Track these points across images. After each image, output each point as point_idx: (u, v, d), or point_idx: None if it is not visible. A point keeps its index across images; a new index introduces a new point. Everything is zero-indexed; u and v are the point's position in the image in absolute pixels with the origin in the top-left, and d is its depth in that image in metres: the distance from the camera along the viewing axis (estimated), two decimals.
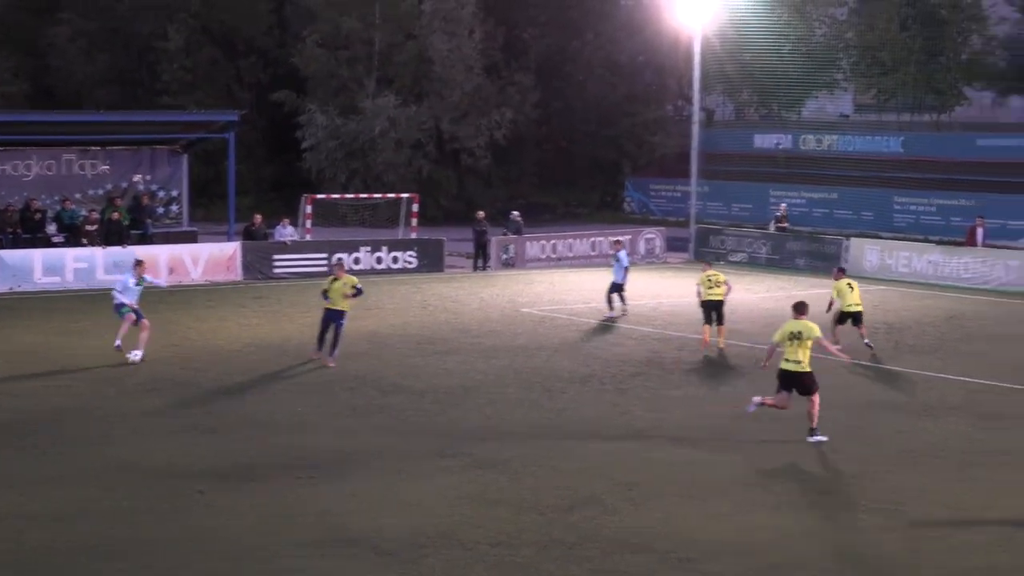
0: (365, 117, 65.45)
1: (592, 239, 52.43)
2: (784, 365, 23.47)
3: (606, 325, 36.31)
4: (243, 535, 17.69)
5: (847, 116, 78.92)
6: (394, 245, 48.47)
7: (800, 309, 23.97)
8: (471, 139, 66.96)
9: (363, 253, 47.35)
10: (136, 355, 29.45)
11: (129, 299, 29.83)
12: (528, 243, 50.91)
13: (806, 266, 49.41)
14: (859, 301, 32.81)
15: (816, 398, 23.33)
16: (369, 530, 17.90)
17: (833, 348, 25.33)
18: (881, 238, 52.25)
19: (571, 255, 51.50)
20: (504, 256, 50.06)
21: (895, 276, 46.63)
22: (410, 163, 66.07)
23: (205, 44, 70.45)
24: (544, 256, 50.92)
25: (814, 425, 23.25)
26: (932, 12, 67.77)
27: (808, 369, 23.38)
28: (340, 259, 39.75)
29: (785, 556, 17.18)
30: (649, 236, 53.41)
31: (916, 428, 24.56)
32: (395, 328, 34.86)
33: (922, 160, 62.70)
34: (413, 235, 50.89)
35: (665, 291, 43.70)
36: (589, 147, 72.35)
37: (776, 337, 23.74)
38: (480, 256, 49.73)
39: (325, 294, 29.95)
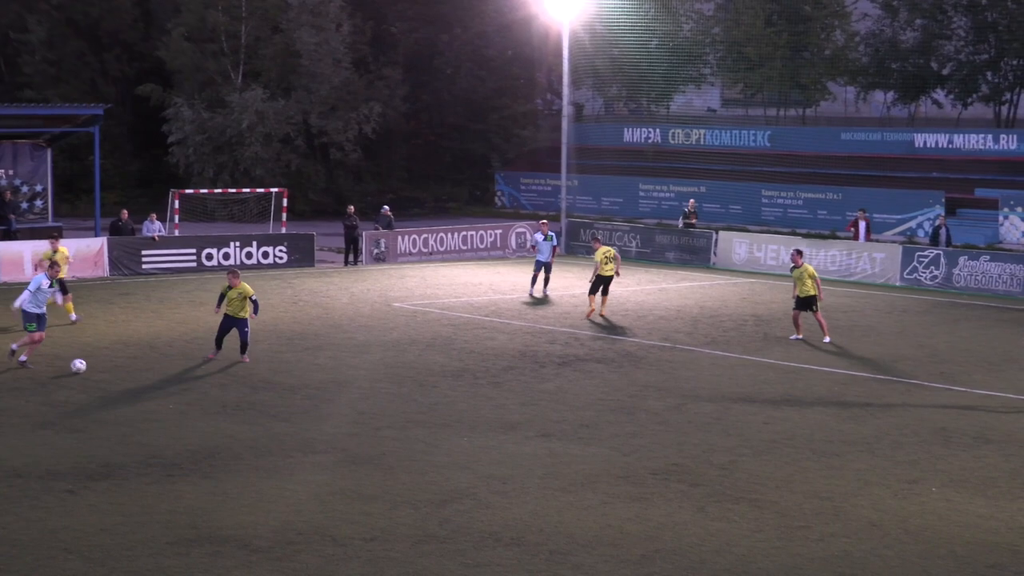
0: (232, 111, 64.91)
1: (463, 233, 52.48)
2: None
3: (478, 319, 36.39)
4: (107, 535, 17.49)
5: (714, 111, 79.82)
6: (264, 240, 48.13)
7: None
8: (340, 133, 66.70)
9: (232, 248, 46.95)
10: (80, 364, 28.63)
11: (37, 306, 28.73)
12: (399, 238, 50.84)
13: (676, 259, 49.97)
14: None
15: None
16: (239, 527, 17.80)
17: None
18: (749, 231, 52.92)
19: (442, 249, 51.52)
20: (375, 251, 49.95)
21: (763, 269, 47.26)
22: (279, 158, 65.67)
23: (70, 36, 69.41)
24: (415, 251, 50.89)
25: None
26: (797, 8, 68.74)
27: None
28: (234, 267, 38.88)
29: (655, 547, 17.35)
30: (520, 230, 53.59)
31: (782, 418, 24.91)
32: (265, 324, 34.63)
33: (788, 154, 63.65)
34: (283, 230, 50.60)
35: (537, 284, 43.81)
36: (459, 141, 72.47)
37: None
38: (351, 251, 49.57)
39: (222, 298, 29.66)
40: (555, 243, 42.17)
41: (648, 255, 50.94)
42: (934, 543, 17.67)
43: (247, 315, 29.60)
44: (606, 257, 37.05)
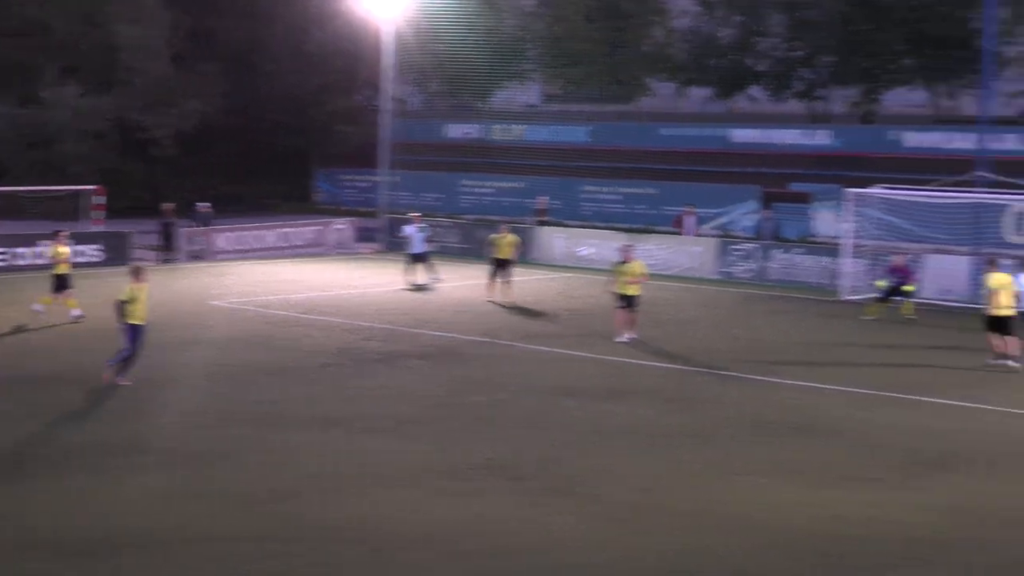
0: (46, 107, 63.59)
1: (282, 230, 52.14)
2: None
3: (297, 317, 36.17)
4: None
5: (535, 106, 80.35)
6: (78, 238, 47.21)
7: None
8: (158, 129, 65.72)
9: (45, 247, 45.97)
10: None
11: None
12: (217, 235, 50.31)
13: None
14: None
15: None
16: (57, 531, 17.47)
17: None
18: (568, 226, 53.41)
19: (261, 247, 51.13)
20: (192, 248, 49.37)
21: (582, 263, 47.71)
22: (95, 154, 64.49)
23: None
24: (233, 248, 50.41)
25: None
26: (617, 4, 69.47)
27: None
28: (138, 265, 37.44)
29: (480, 543, 17.40)
30: (339, 227, 53.42)
31: (604, 412, 25.16)
32: (79, 324, 34.03)
33: (608, 149, 64.34)
34: (97, 227, 49.73)
35: (355, 281, 43.79)
36: (279, 137, 71.74)
37: None
38: (167, 248, 48.93)
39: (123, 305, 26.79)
40: (427, 234, 44.13)
41: (469, 250, 51.08)
42: (753, 533, 18.00)
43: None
44: (504, 241, 40.25)
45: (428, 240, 44.49)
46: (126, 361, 26.58)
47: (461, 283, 43.58)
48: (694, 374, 29.11)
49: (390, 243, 52.81)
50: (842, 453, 22.25)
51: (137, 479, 19.96)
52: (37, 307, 34.52)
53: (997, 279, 30.97)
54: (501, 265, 40.11)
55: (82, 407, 24.89)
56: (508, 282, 39.83)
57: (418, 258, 43.30)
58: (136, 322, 26.56)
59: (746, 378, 28.66)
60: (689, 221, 48.44)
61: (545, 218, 51.84)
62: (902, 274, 37.60)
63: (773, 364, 30.23)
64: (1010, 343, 30.46)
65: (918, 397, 26.82)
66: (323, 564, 16.46)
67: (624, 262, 33.32)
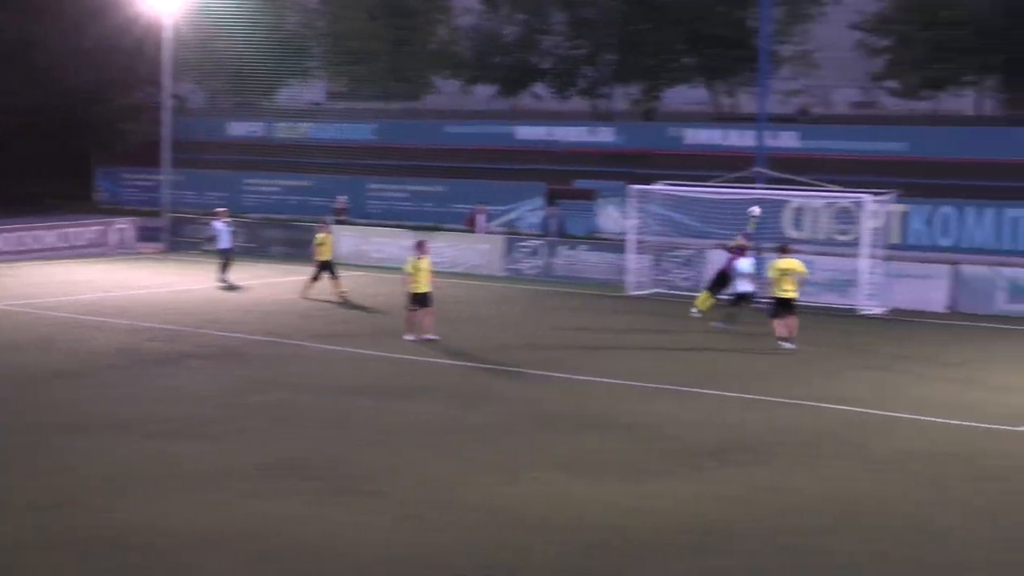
0: None
1: (62, 230, 51.02)
2: None
3: (79, 319, 35.47)
4: None
5: (320, 104, 79.94)
6: None
7: None
8: None
9: None
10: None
11: None
12: None
13: (281, 253, 49.89)
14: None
15: None
16: None
17: None
18: (356, 224, 53.26)
19: (40, 247, 49.95)
20: None
21: (370, 262, 47.63)
22: None
23: None
24: (12, 249, 49.15)
25: None
26: (401, 2, 69.53)
27: None
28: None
29: (272, 544, 17.29)
30: (121, 226, 52.50)
31: (394, 410, 25.20)
32: None
33: (394, 147, 64.30)
34: None
35: (139, 281, 43.07)
36: (57, 136, 70.06)
37: None
38: None
39: None
40: (232, 230, 43.66)
41: (254, 250, 50.64)
42: (542, 527, 18.21)
43: None
44: (320, 240, 40.11)
45: (232, 235, 43.94)
46: None
47: (247, 283, 43.13)
48: (483, 371, 29.28)
49: (173, 243, 52.09)
50: (629, 446, 22.63)
51: None
52: None
53: (784, 264, 32.41)
54: (326, 265, 39.98)
55: None
56: (336, 278, 39.68)
57: (227, 254, 42.77)
58: None
59: (535, 374, 28.94)
60: (481, 219, 48.66)
61: (345, 217, 51.46)
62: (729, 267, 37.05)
63: (561, 360, 30.58)
64: (790, 325, 31.91)
65: (702, 390, 27.38)
66: (105, 571, 16.17)
67: (419, 257, 32.99)
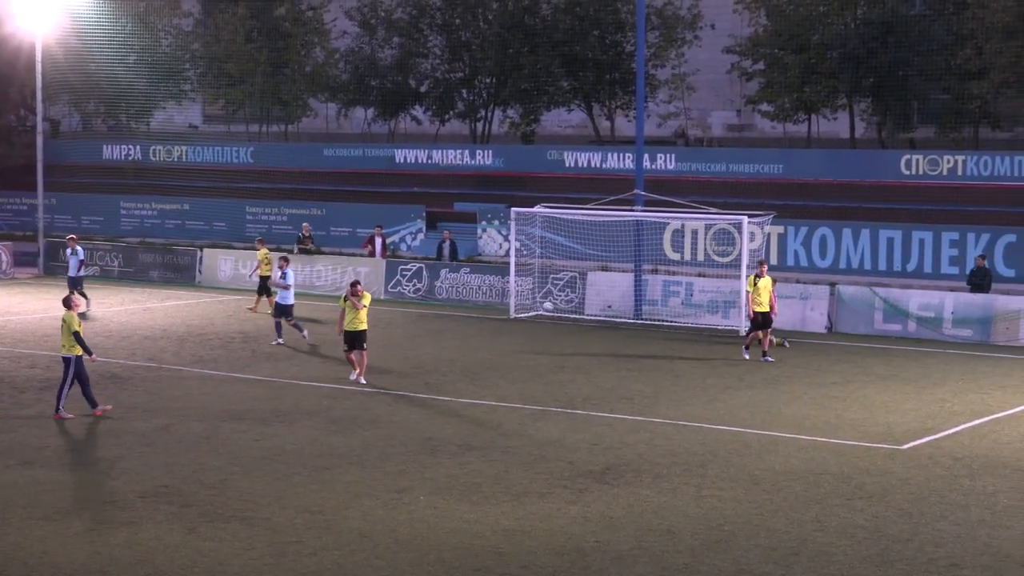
0: None
1: None
2: None
3: None
4: None
5: (196, 127, 79.20)
6: None
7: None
8: None
9: None
10: None
11: None
12: None
13: (160, 278, 49.31)
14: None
15: None
16: None
17: None
18: (235, 248, 52.74)
19: None
20: None
21: (249, 285, 47.07)
22: None
23: None
24: None
25: None
26: (277, 24, 69.14)
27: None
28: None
29: (145, 572, 17.07)
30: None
31: (272, 434, 24.97)
32: None
33: (272, 170, 63.87)
34: None
35: (14, 307, 42.30)
36: None
37: None
38: None
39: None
40: (80, 257, 42.76)
41: (131, 274, 50.03)
42: (423, 550, 18.13)
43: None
44: (266, 259, 40.98)
45: (83, 263, 43.23)
46: None
47: (123, 307, 42.55)
48: (362, 394, 29.11)
49: (48, 267, 51.22)
50: (512, 469, 22.59)
51: None
52: None
53: (764, 280, 33.89)
54: (264, 286, 41.14)
55: None
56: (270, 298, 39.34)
57: (75, 282, 41.84)
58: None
59: (416, 396, 28.84)
60: (379, 242, 48.27)
61: (310, 245, 49.58)
62: None
63: (443, 382, 30.50)
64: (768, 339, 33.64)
65: (587, 412, 27.42)
66: None
67: (355, 295, 30.14)
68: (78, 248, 43.06)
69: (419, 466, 22.69)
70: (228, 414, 26.77)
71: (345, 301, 30.19)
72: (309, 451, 23.72)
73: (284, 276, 35.85)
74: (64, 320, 26.39)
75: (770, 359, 33.42)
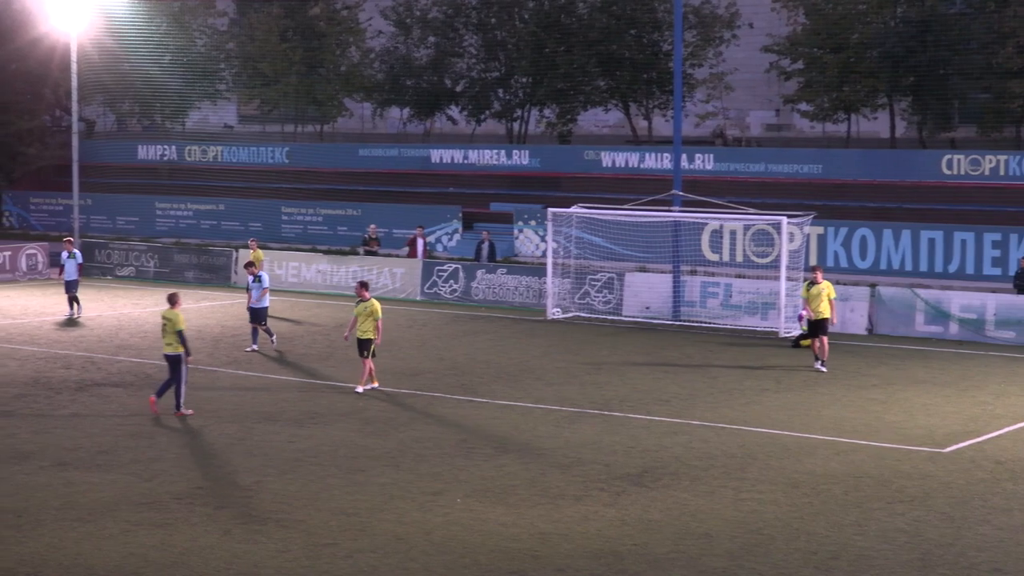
0: None
1: None
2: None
3: None
4: None
5: (231, 127, 79.42)
6: None
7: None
8: None
9: None
10: None
11: None
12: None
13: (195, 278, 49.45)
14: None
15: None
16: None
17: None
18: (270, 248, 52.89)
19: None
20: None
21: (285, 286, 47.25)
22: None
23: None
24: None
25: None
26: (311, 24, 69.27)
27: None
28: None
29: (181, 575, 17.09)
30: (31, 252, 51.80)
31: (306, 436, 24.99)
32: None
33: (307, 170, 64.00)
34: None
35: (49, 308, 42.48)
36: None
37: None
38: None
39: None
40: (79, 261, 41.80)
41: (167, 274, 50.18)
42: (458, 553, 18.11)
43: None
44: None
45: (80, 266, 42.03)
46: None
47: (158, 308, 42.57)
48: (397, 395, 29.10)
49: (85, 268, 51.33)
50: (547, 471, 22.54)
51: None
52: None
53: (818, 287, 32.84)
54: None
55: None
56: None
57: (72, 287, 41.20)
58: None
59: (451, 398, 28.81)
60: (421, 243, 48.25)
61: (376, 247, 49.28)
62: None
63: (478, 384, 30.47)
64: (824, 346, 32.64)
65: (623, 414, 27.35)
66: None
67: (362, 300, 29.41)
68: (76, 252, 42.25)
69: (454, 468, 22.68)
70: (262, 415, 26.82)
71: (357, 306, 29.59)
72: (344, 453, 23.73)
73: (259, 280, 35.13)
74: (168, 318, 26.66)
75: (822, 368, 32.71)
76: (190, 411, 26.57)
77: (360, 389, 29.26)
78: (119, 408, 27.34)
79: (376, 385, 29.51)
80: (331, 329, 38.41)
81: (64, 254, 42.07)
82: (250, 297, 35.17)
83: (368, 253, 48.32)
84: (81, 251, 50.47)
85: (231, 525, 19.25)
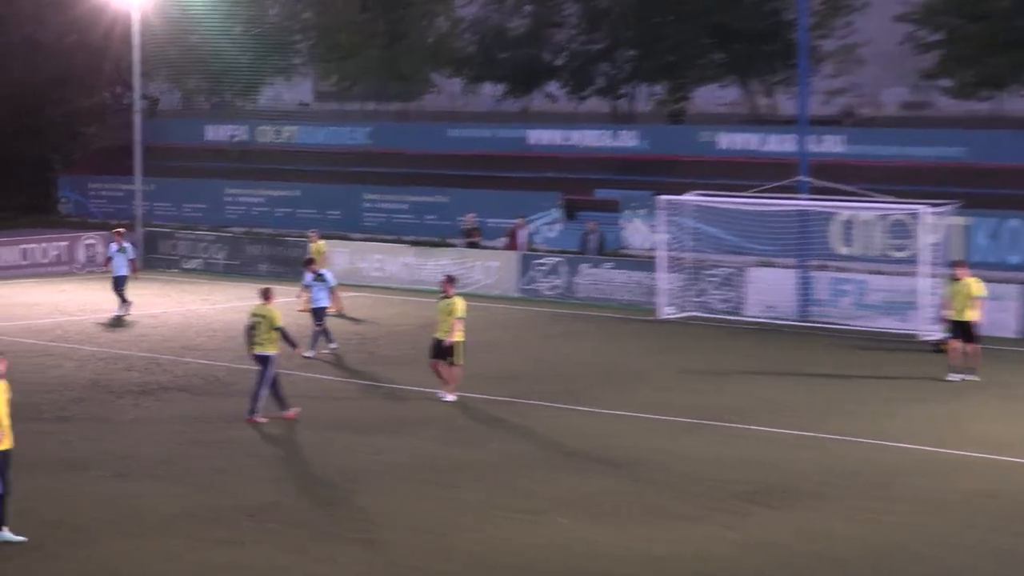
0: None
1: (21, 246, 50.87)
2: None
3: (41, 345, 35.29)
4: None
5: (307, 105, 79.81)
6: None
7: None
8: None
9: None
10: None
11: None
12: None
13: (269, 272, 49.55)
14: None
15: None
16: None
17: None
18: (351, 239, 52.96)
19: None
20: None
21: (367, 280, 47.32)
22: None
23: None
24: None
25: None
26: None
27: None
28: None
29: None
30: (89, 242, 52.32)
31: (390, 447, 24.98)
32: None
33: (391, 153, 64.03)
34: None
35: (109, 304, 42.76)
36: (11, 140, 69.89)
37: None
38: None
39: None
40: (130, 255, 41.60)
41: (237, 267, 50.39)
42: None
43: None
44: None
45: (133, 261, 41.72)
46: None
47: (228, 305, 42.90)
48: (491, 402, 29.01)
49: (147, 260, 51.64)
50: (658, 487, 22.39)
51: None
52: None
53: (959, 285, 32.27)
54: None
55: None
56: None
57: (119, 283, 41.01)
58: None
59: (550, 406, 28.68)
60: (522, 233, 48.14)
61: (478, 239, 49.20)
62: None
63: (581, 390, 30.30)
64: (971, 352, 31.77)
65: (744, 425, 27.09)
66: None
67: (445, 297, 29.32)
68: (127, 245, 41.92)
69: (553, 483, 22.54)
70: (342, 423, 26.85)
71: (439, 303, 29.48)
72: (431, 465, 23.68)
73: (322, 278, 35.08)
74: (261, 315, 26.98)
75: (970, 377, 31.81)
76: (264, 419, 26.62)
77: (450, 397, 29.04)
78: (186, 414, 27.46)
79: (449, 396, 29.10)
80: (417, 329, 38.35)
81: (113, 246, 41.97)
82: (308, 298, 35.06)
83: (470, 245, 48.20)
84: (143, 242, 50.90)
85: (307, 543, 19.24)
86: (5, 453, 19.60)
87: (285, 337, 26.95)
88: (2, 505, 19.35)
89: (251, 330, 27.12)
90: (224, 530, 19.77)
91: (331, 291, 35.50)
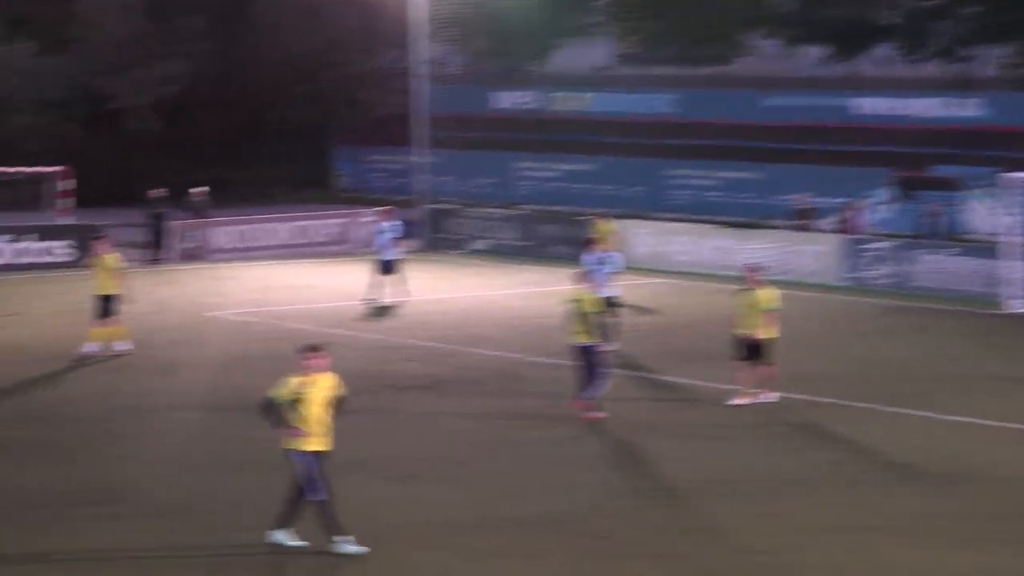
0: None
1: (296, 224, 52.11)
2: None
3: (317, 332, 35.91)
4: None
5: (606, 69, 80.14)
6: (45, 232, 47.34)
7: None
8: (132, 98, 65.66)
9: (3, 244, 46.22)
10: None
11: None
12: (216, 229, 50.30)
13: (565, 254, 49.77)
14: None
15: None
16: None
17: None
18: (654, 219, 53.03)
19: (270, 244, 51.10)
20: (186, 245, 49.41)
21: (671, 266, 47.30)
22: (54, 128, 64.47)
23: None
24: (236, 246, 50.42)
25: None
26: None
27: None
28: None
29: None
30: (368, 220, 53.30)
31: (696, 453, 24.99)
32: (45, 339, 34.09)
33: (700, 123, 63.87)
34: (65, 220, 49.79)
35: (388, 289, 43.55)
36: (285, 107, 71.52)
37: None
38: (156, 246, 48.92)
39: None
40: (398, 235, 41.91)
41: (530, 249, 50.72)
42: None
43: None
44: None
45: (398, 241, 41.95)
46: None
47: (520, 290, 43.32)
48: (811, 405, 28.75)
49: (431, 240, 52.32)
50: (996, 506, 21.93)
51: (117, 536, 19.99)
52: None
53: None
54: None
55: (40, 444, 24.88)
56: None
57: (387, 267, 41.29)
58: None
59: (881, 410, 28.36)
60: (859, 216, 47.67)
61: (810, 221, 49.61)
62: None
63: (915, 393, 29.85)
64: None
65: None
66: None
67: (748, 289, 29.29)
68: (395, 223, 42.11)
69: (886, 498, 22.24)
70: (646, 425, 26.89)
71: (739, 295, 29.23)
72: (745, 476, 23.57)
73: (611, 259, 34.72)
74: (577, 300, 27.15)
75: None
76: (602, 414, 26.77)
77: (739, 402, 28.61)
78: (474, 410, 27.79)
79: (766, 397, 28.81)
80: (727, 320, 38.22)
81: (383, 225, 42.22)
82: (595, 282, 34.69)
83: (800, 228, 47.87)
84: (427, 221, 51.40)
85: (598, 559, 19.27)
86: (317, 455, 19.34)
87: (598, 327, 26.96)
88: (329, 513, 19.31)
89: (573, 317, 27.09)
90: (512, 541, 19.98)
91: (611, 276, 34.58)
